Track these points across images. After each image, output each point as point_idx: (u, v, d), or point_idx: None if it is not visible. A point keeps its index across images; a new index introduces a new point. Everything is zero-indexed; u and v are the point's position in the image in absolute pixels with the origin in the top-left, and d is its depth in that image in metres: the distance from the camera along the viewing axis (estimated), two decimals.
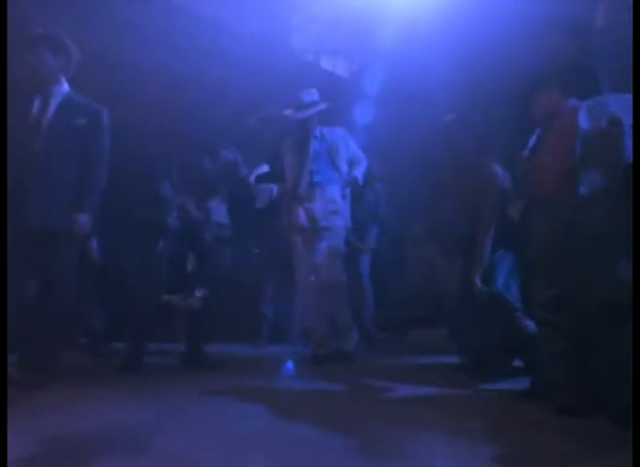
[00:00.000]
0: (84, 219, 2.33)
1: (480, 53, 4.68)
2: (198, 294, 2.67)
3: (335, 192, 3.23)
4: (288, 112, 3.24)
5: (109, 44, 4.61)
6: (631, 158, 1.74)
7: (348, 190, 3.29)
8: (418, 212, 6.66)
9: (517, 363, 2.64)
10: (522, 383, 2.27)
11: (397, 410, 2.03)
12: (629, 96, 1.81)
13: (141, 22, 4.96)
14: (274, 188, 3.31)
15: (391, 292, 5.03)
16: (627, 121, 1.78)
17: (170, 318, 2.68)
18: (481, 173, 2.69)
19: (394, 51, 5.36)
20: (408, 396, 2.26)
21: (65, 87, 2.45)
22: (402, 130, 4.82)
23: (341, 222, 3.24)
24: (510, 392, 2.27)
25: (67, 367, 2.54)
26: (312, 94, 3.28)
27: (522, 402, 2.08)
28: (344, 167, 3.23)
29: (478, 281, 2.55)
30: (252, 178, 4.32)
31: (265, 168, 4.66)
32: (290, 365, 2.99)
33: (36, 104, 2.34)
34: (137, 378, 2.50)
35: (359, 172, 3.25)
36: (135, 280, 2.66)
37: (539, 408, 1.93)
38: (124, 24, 4.87)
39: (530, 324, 2.37)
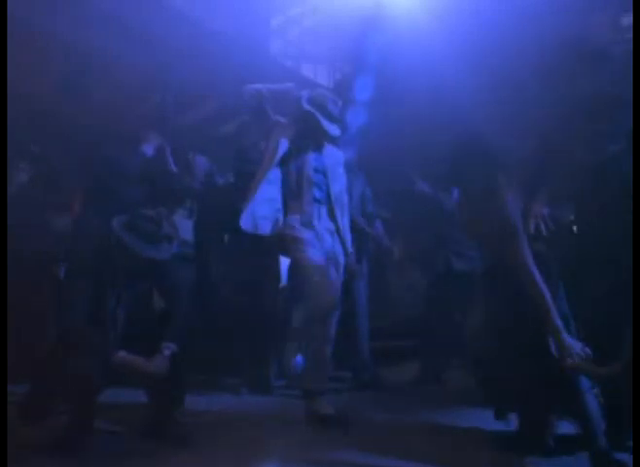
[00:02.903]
0: None
1: (481, 53, 4.36)
2: (167, 351, 1.92)
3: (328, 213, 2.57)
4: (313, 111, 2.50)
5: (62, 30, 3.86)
6: None
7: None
8: (400, 229, 6.12)
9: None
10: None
11: None
12: None
13: (108, 12, 4.24)
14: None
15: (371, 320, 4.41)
16: None
17: (127, 383, 1.93)
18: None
19: (383, 55, 4.87)
20: None
21: None
22: (396, 136, 4.29)
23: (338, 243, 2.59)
24: None
25: None
26: (338, 106, 2.61)
27: None
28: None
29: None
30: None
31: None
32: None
33: None
34: None
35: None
36: (80, 329, 1.90)
37: None
38: (88, 13, 4.15)
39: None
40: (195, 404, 2.39)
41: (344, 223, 2.58)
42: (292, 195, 2.51)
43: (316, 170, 2.54)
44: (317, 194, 2.53)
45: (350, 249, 2.61)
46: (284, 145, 2.51)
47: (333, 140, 2.65)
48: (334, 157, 2.67)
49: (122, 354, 1.87)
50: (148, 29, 4.58)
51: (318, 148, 2.61)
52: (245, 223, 2.43)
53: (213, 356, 3.24)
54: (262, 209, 2.44)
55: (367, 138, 4.19)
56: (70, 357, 1.83)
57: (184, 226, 3.61)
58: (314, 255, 2.43)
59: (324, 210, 2.53)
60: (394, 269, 5.63)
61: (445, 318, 3.61)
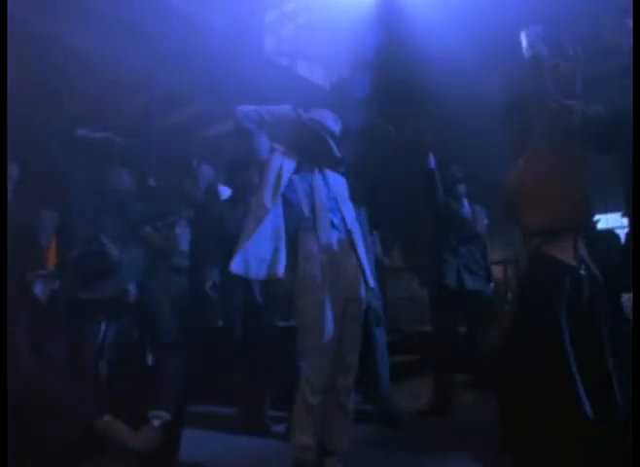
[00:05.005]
0: None
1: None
2: (156, 422, 1.59)
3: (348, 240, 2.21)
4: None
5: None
6: None
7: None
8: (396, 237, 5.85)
9: None
10: None
11: None
12: None
13: (96, 9, 3.90)
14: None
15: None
16: None
17: (109, 457, 1.62)
18: None
19: (380, 54, 4.61)
20: None
21: None
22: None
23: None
24: None
25: None
26: (338, 124, 2.28)
27: None
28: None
29: None
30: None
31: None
32: None
33: None
34: None
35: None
36: (57, 394, 1.59)
37: None
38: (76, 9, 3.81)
39: None
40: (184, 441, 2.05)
41: (363, 252, 2.24)
42: (305, 223, 2.13)
43: (327, 197, 2.20)
44: (333, 219, 2.17)
45: (372, 284, 2.26)
46: (287, 172, 2.16)
47: (336, 162, 2.33)
48: (339, 183, 2.33)
49: (107, 419, 1.55)
50: (138, 24, 4.25)
51: (322, 172, 2.28)
52: (236, 266, 2.03)
53: (205, 387, 2.96)
54: (259, 249, 2.04)
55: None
56: (41, 419, 1.53)
57: (183, 235, 3.31)
58: (317, 294, 2.09)
59: (343, 237, 2.17)
60: (390, 280, 5.36)
61: (453, 336, 3.39)
